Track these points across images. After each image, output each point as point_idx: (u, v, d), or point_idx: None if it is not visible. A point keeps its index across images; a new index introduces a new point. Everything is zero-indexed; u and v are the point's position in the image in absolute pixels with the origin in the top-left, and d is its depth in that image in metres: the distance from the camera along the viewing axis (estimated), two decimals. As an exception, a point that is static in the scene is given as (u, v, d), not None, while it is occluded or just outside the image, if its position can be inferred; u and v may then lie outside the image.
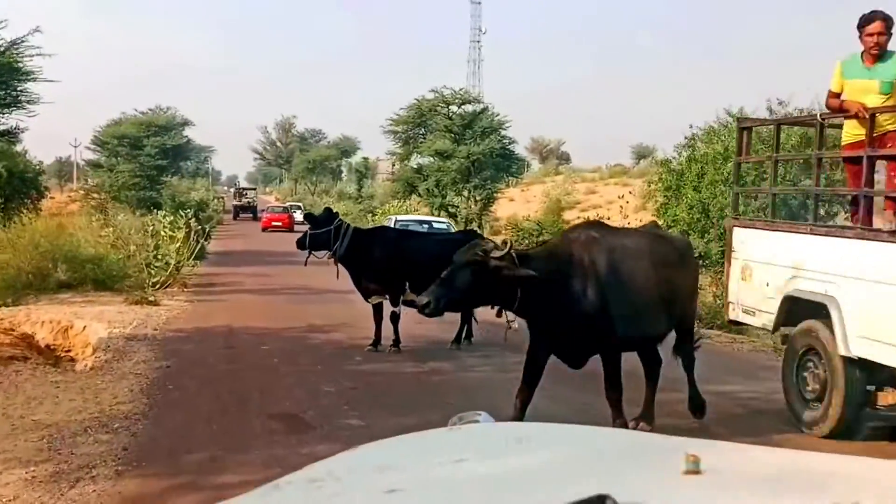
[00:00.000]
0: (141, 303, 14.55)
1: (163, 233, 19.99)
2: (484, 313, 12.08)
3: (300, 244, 11.14)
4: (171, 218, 20.62)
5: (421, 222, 21.96)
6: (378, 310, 10.95)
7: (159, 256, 18.28)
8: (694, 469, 1.25)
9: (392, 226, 18.63)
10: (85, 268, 16.31)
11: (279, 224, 44.92)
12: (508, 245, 6.45)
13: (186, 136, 50.42)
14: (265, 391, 8.30)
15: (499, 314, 6.60)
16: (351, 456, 1.65)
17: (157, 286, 17.34)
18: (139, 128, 46.12)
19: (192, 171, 65.01)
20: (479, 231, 13.48)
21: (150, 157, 44.91)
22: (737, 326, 14.84)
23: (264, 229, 44.41)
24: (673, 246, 7.62)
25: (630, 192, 32.19)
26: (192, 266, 21.08)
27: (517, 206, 48.54)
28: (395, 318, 10.79)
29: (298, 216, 41.60)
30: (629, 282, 6.62)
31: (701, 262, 19.34)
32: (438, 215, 36.96)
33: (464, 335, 11.42)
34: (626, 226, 24.47)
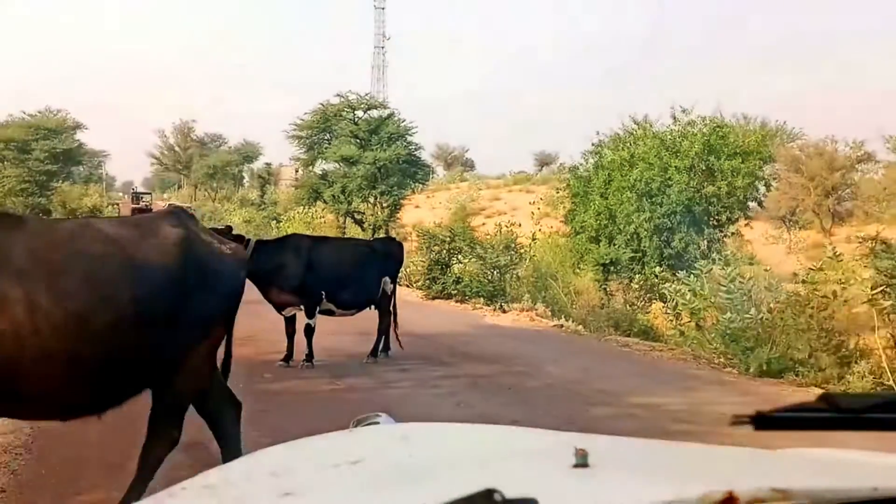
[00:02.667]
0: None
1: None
2: (402, 324, 11.52)
3: None
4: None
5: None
6: (290, 322, 10.20)
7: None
8: (582, 462, 1.28)
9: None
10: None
11: None
12: None
13: (78, 140, 47.75)
14: (166, 417, 7.41)
15: None
16: (246, 461, 1.67)
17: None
18: (27, 131, 43.61)
19: (84, 177, 61.92)
20: (397, 238, 12.79)
21: (38, 161, 42.53)
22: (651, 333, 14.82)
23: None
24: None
25: (541, 199, 32.03)
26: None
27: (423, 213, 48.07)
28: (309, 331, 10.07)
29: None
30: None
31: (612, 268, 19.26)
32: (344, 222, 36.17)
33: (380, 347, 10.78)
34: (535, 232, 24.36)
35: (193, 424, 6.97)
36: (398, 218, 38.67)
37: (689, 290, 12.31)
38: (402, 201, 37.26)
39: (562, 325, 14.68)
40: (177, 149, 76.25)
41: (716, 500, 1.06)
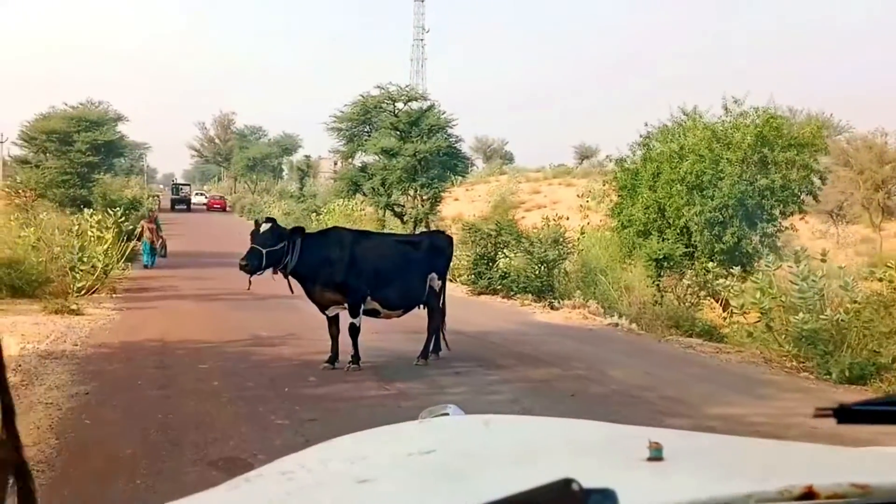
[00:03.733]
0: (61, 312, 12.76)
1: (90, 233, 18.14)
2: (449, 322, 10.76)
3: (253, 266, 8.96)
4: (99, 217, 18.78)
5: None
6: (334, 322, 9.47)
7: (85, 259, 16.39)
8: (656, 456, 1.27)
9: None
10: (-2, 272, 14.42)
11: (218, 206, 66.10)
12: None
13: (119, 132, 47.51)
14: (203, 427, 6.69)
15: None
16: (320, 449, 1.63)
17: (83, 292, 15.53)
18: (69, 122, 43.34)
19: (126, 169, 61.96)
20: (445, 232, 11.95)
21: (80, 153, 42.30)
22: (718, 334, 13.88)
23: (210, 208, 66.20)
24: None
25: (590, 192, 31.05)
26: (122, 269, 19.26)
27: (462, 206, 47.30)
28: (353, 330, 9.33)
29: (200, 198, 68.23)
30: None
31: (665, 263, 18.31)
32: (384, 215, 35.50)
33: (431, 348, 10.03)
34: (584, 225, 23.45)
35: (228, 441, 6.26)
36: (438, 211, 37.92)
37: (757, 289, 11.38)
38: (441, 194, 36.48)
39: (617, 324, 13.82)
40: (217, 141, 76.12)
41: (795, 494, 1.04)
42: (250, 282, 9.20)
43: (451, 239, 11.09)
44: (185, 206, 64.31)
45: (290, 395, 7.95)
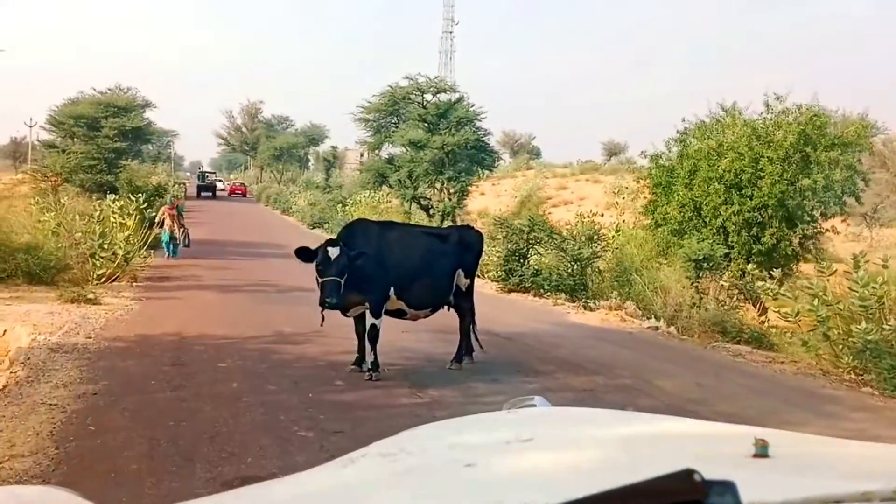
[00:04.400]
0: (77, 301, 12.13)
1: (112, 219, 17.56)
2: (481, 321, 10.01)
3: (338, 302, 7.96)
4: (122, 203, 18.20)
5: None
6: (360, 320, 8.68)
7: (106, 246, 15.78)
8: (763, 453, 1.24)
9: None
10: (16, 257, 13.81)
11: (239, 192, 68.57)
12: None
13: (147, 119, 46.94)
14: (219, 438, 5.96)
15: None
16: (416, 434, 1.62)
17: (103, 279, 14.94)
18: (97, 108, 42.77)
19: (153, 156, 61.66)
20: (474, 227, 11.07)
21: (108, 138, 41.78)
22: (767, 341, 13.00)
23: (231, 194, 68.72)
24: None
25: (626, 188, 30.05)
26: (144, 257, 18.65)
27: (488, 200, 46.48)
28: (374, 333, 8.35)
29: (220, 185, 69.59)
30: None
31: (704, 264, 17.44)
32: (410, 207, 34.78)
33: (464, 351, 9.26)
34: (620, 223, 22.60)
35: (245, 457, 5.49)
36: (464, 204, 37.16)
37: (812, 294, 10.51)
38: (468, 188, 35.68)
39: (657, 328, 13.01)
40: (244, 129, 75.66)
41: None
42: (323, 317, 8.17)
43: (481, 235, 10.27)
44: (211, 194, 65.06)
45: (314, 402, 7.23)
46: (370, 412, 6.98)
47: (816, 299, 10.15)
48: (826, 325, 10.06)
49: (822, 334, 10.15)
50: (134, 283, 15.70)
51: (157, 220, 20.47)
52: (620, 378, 9.04)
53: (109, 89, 46.45)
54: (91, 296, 12.55)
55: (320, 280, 7.99)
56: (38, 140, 52.34)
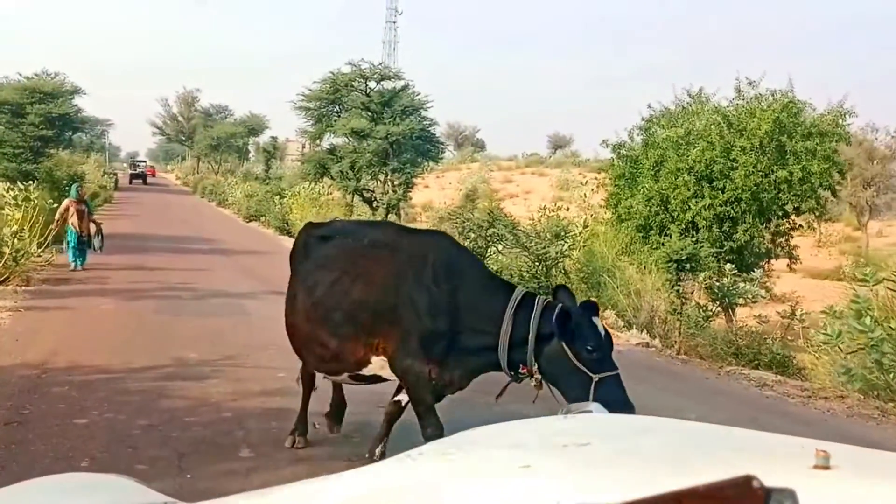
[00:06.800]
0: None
1: (7, 211, 14.51)
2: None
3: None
4: (15, 192, 15.15)
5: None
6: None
7: (-9, 243, 12.74)
8: (823, 464, 1.15)
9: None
10: None
11: (149, 173, 72.20)
12: None
13: (76, 106, 43.31)
14: None
15: None
16: (473, 435, 1.55)
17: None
18: (21, 94, 39.44)
19: (86, 145, 57.57)
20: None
21: (33, 126, 38.44)
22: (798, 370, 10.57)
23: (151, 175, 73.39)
24: None
25: (595, 178, 27.74)
26: (52, 255, 15.46)
27: (433, 193, 43.95)
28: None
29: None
30: None
31: (688, 265, 15.13)
32: (352, 200, 32.08)
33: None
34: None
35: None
36: (409, 197, 34.59)
37: (857, 310, 8.18)
38: (413, 180, 33.08)
39: (647, 344, 10.59)
40: (180, 118, 71.78)
41: None
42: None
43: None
44: (142, 180, 67.70)
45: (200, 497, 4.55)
46: None
47: (867, 317, 7.76)
48: (879, 350, 7.66)
49: (874, 361, 7.73)
50: (24, 287, 12.76)
51: (57, 215, 15.58)
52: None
53: (36, 74, 42.87)
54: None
55: None
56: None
